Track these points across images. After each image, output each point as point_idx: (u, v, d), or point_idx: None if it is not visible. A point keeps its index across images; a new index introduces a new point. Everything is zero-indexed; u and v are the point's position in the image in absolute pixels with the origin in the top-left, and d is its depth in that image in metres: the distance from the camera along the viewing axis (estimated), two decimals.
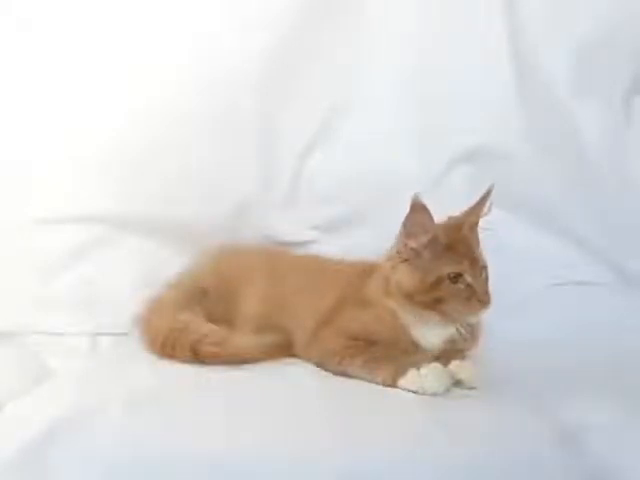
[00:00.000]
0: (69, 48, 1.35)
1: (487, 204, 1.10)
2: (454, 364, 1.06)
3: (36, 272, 1.32)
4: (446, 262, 1.05)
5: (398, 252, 1.08)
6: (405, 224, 1.06)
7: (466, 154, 1.45)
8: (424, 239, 1.06)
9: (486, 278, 1.08)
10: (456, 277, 1.05)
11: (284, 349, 1.17)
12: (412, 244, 1.06)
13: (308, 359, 1.15)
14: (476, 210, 1.10)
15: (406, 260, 1.07)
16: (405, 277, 1.07)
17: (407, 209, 1.04)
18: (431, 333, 1.09)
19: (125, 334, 1.28)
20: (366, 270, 1.15)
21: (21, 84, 1.35)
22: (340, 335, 1.11)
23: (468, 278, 1.05)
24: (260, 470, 0.82)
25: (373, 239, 1.14)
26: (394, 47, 1.44)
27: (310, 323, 1.16)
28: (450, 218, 1.11)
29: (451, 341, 1.10)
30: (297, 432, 0.89)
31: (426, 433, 0.89)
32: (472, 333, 1.11)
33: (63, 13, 1.34)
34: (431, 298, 1.05)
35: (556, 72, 1.41)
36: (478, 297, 1.04)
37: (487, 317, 1.16)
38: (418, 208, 1.03)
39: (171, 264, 1.32)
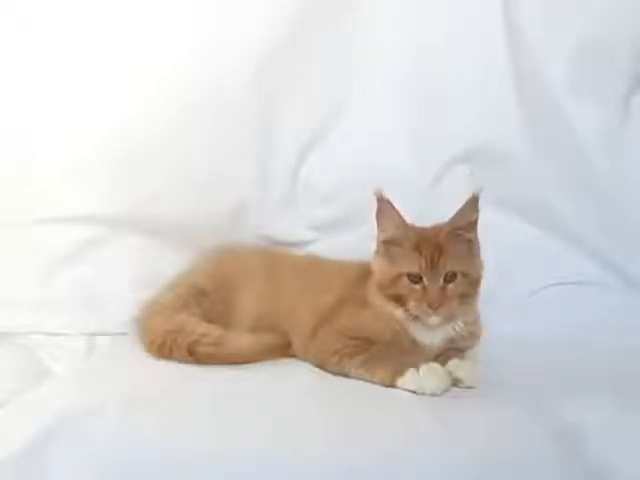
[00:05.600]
0: (68, 48, 1.35)
1: (472, 210, 1.08)
2: (452, 363, 1.06)
3: (35, 272, 1.32)
4: (409, 261, 1.06)
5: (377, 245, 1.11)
6: (376, 218, 1.09)
7: (465, 154, 1.45)
8: (394, 233, 1.08)
9: (453, 287, 1.05)
10: (415, 277, 1.05)
11: (282, 349, 1.17)
12: (383, 237, 1.09)
13: (307, 359, 1.15)
14: (458, 217, 1.08)
15: (381, 253, 1.10)
16: (376, 270, 1.10)
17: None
18: (430, 332, 1.09)
19: (124, 334, 1.28)
20: (364, 270, 1.15)
21: (21, 84, 1.35)
22: (339, 335, 1.11)
23: (425, 281, 1.05)
24: (259, 471, 0.82)
25: (371, 239, 1.13)
26: (393, 47, 1.44)
27: (309, 323, 1.16)
28: (435, 224, 1.10)
29: (450, 340, 1.10)
30: (296, 432, 0.89)
31: (426, 433, 0.89)
32: (471, 332, 1.12)
33: (62, 13, 1.34)
34: (393, 293, 1.07)
35: (554, 72, 1.41)
36: (428, 302, 1.04)
37: (487, 317, 1.16)
38: (383, 202, 1.07)
39: (170, 264, 1.32)
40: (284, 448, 0.85)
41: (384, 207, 1.07)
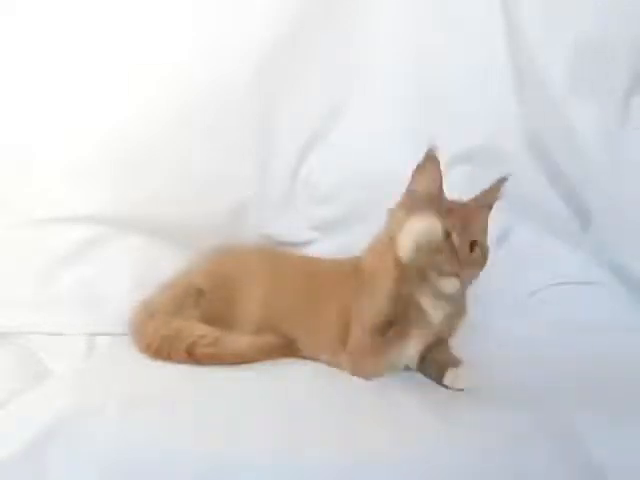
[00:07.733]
0: (68, 48, 1.34)
1: (499, 191, 1.12)
2: (449, 375, 1.05)
3: (35, 272, 1.32)
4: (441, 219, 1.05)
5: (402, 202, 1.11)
6: (416, 171, 1.08)
7: (464, 154, 1.45)
8: (432, 187, 1.07)
9: (477, 257, 1.06)
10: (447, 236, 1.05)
11: (282, 349, 1.16)
12: (418, 188, 1.08)
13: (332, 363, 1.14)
14: (488, 194, 1.12)
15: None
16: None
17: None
18: (437, 304, 1.08)
19: (124, 334, 1.27)
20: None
21: (21, 84, 1.35)
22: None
23: (455, 241, 1.05)
24: (259, 471, 0.82)
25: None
26: (393, 47, 1.44)
27: (310, 324, 1.16)
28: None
29: (449, 316, 1.10)
30: (296, 432, 0.89)
31: (426, 433, 0.89)
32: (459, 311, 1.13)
33: (62, 13, 1.34)
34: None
35: (555, 72, 1.41)
36: (452, 262, 1.04)
37: (487, 316, 1.16)
38: (432, 159, 1.06)
39: (169, 264, 1.32)
40: (284, 448, 0.85)
41: (431, 164, 1.07)
